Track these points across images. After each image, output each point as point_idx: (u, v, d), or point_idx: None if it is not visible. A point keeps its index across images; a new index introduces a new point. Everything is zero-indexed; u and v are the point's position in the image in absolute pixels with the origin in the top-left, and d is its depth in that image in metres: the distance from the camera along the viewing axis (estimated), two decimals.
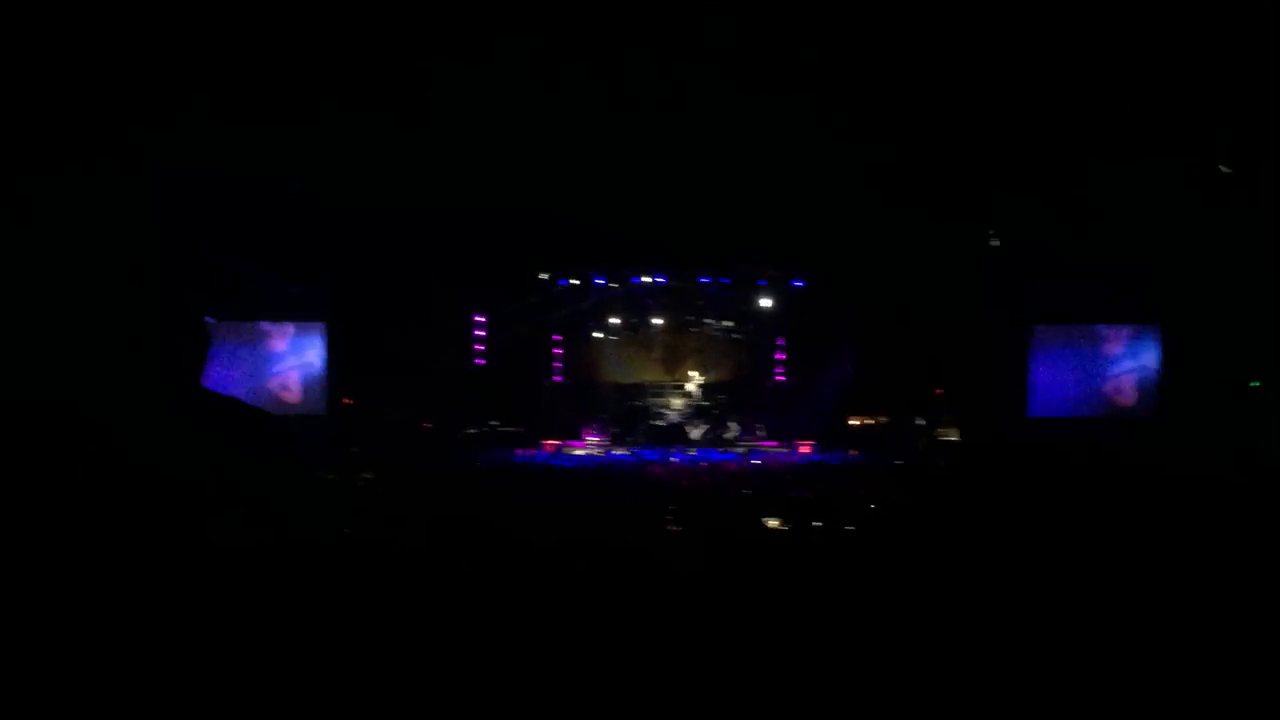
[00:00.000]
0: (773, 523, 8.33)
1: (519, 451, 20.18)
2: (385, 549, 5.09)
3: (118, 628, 1.74)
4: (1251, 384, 17.21)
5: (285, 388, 19.37)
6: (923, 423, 20.57)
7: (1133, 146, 11.86)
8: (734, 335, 25.02)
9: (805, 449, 20.49)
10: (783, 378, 24.58)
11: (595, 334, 24.90)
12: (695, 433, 22.36)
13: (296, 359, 19.62)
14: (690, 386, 23.95)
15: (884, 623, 4.18)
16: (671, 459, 18.74)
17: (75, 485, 1.64)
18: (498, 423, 21.93)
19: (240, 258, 16.18)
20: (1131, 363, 19.96)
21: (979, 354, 19.42)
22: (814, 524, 8.38)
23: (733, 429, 22.81)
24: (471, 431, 21.21)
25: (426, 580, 4.47)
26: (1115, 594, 4.44)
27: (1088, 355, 19.99)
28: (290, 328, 19.59)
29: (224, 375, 17.54)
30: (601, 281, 22.84)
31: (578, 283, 23.24)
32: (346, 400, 19.70)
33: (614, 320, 24.60)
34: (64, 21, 7.54)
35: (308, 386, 19.58)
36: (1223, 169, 12.35)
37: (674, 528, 7.70)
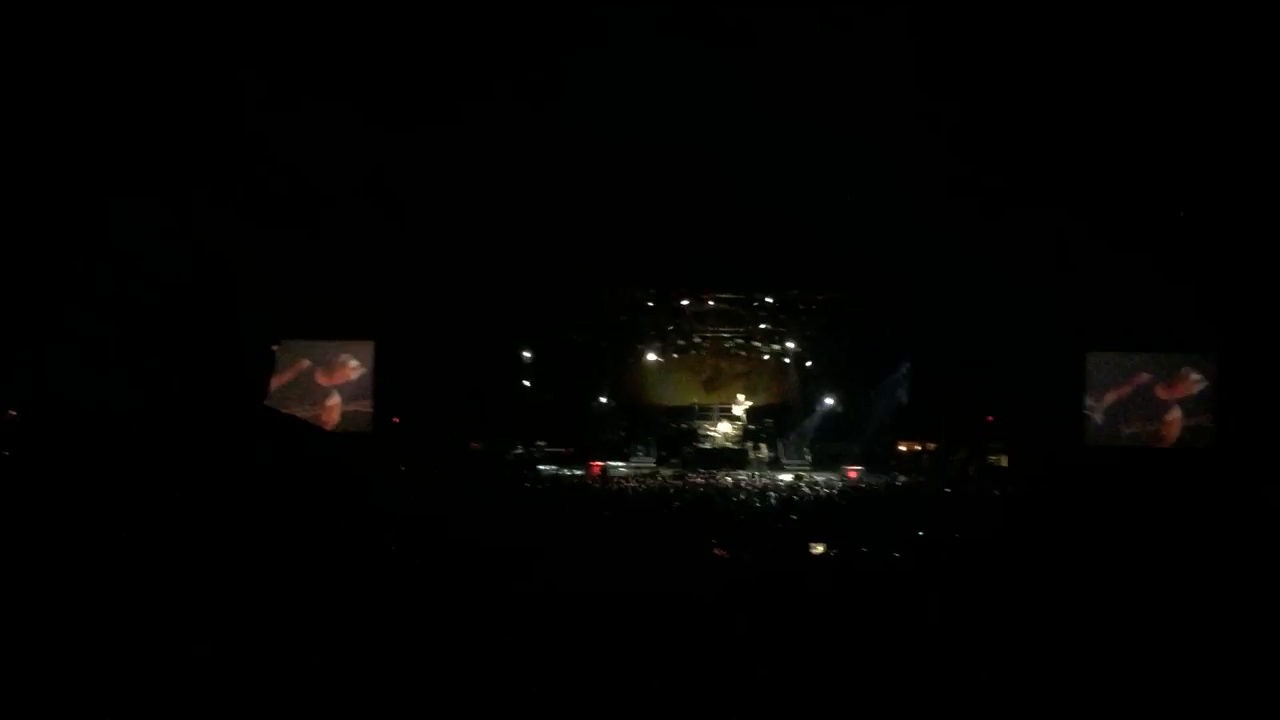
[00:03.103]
0: (818, 548, 8.26)
1: (565, 472, 20.19)
2: (439, 570, 5.13)
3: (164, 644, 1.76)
4: None
5: (333, 406, 19.55)
6: (973, 450, 20.29)
7: (1191, 171, 11.68)
8: (783, 359, 24.92)
9: (853, 474, 20.27)
10: (831, 402, 24.40)
11: (643, 355, 24.92)
12: (742, 456, 22.22)
13: (345, 378, 19.79)
14: (737, 409, 23.84)
15: (927, 650, 4.12)
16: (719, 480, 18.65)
17: (141, 501, 1.68)
18: (545, 443, 21.98)
19: (294, 277, 16.43)
20: (1189, 390, 19.55)
21: (1031, 381, 19.12)
22: (861, 550, 8.30)
23: (779, 453, 22.65)
24: (519, 452, 21.29)
25: (472, 605, 4.47)
26: (1174, 628, 4.34)
27: (1143, 382, 19.62)
28: (340, 346, 19.77)
29: (275, 393, 17.77)
30: (650, 303, 22.84)
31: (626, 304, 23.26)
32: (395, 419, 19.87)
33: (661, 342, 24.60)
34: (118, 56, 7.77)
35: (355, 405, 19.73)
36: None
37: (719, 552, 7.65)
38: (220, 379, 2.19)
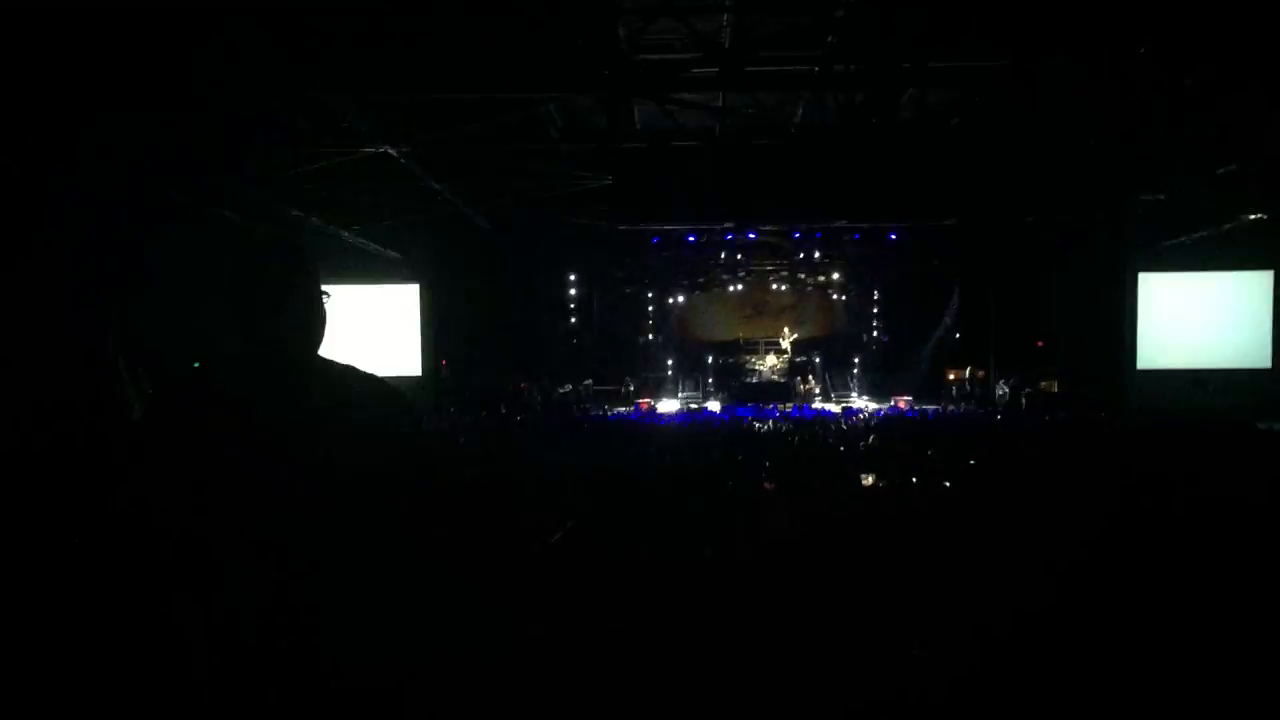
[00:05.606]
0: (868, 479, 8.29)
1: (613, 411, 20.35)
2: (493, 511, 5.24)
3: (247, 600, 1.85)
4: None
5: (382, 351, 19.67)
6: (1023, 377, 20.10)
7: (1245, 91, 11.29)
8: (828, 290, 24.80)
9: (902, 404, 20.23)
10: (877, 332, 24.30)
11: (688, 291, 24.92)
12: (787, 389, 22.27)
13: (393, 322, 19.89)
14: (784, 342, 23.86)
15: (981, 582, 4.15)
16: (767, 415, 18.72)
17: (212, 462, 1.75)
18: (591, 381, 22.16)
19: (340, 222, 16.58)
20: (1245, 311, 19.15)
21: (1081, 305, 18.85)
22: (912, 480, 8.31)
23: (826, 384, 22.65)
24: (565, 390, 21.48)
25: (532, 544, 4.59)
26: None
27: (1198, 304, 19.24)
28: (387, 290, 19.85)
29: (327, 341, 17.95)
30: (694, 238, 22.69)
31: (671, 239, 23.16)
32: (444, 362, 20.07)
33: (706, 277, 24.58)
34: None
35: (404, 349, 19.80)
36: None
37: (769, 485, 7.71)
38: (280, 331, 2.29)
